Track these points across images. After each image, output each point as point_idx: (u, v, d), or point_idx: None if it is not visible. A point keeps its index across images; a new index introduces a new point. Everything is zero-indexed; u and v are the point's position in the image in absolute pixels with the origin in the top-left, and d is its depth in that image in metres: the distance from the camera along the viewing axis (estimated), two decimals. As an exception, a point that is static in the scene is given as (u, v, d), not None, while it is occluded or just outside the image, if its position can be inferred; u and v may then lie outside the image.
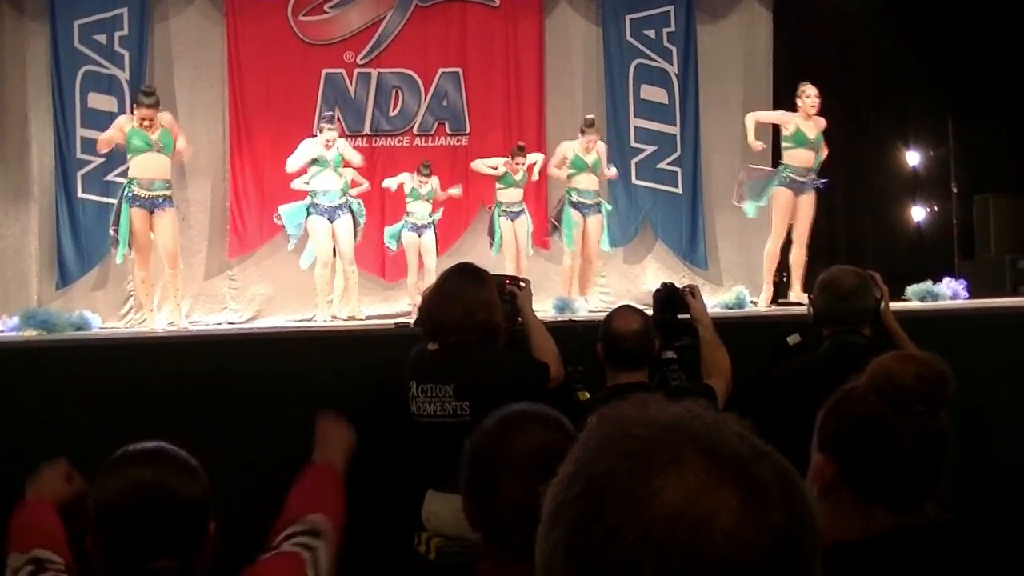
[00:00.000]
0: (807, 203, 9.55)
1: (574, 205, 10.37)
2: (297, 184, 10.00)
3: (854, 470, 2.13)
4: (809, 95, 9.64)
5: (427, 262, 10.35)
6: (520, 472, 2.00)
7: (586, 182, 10.41)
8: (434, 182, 10.56)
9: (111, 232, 9.29)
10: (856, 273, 4.14)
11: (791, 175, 9.55)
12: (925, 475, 2.19)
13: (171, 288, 9.45)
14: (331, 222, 9.88)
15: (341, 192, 9.95)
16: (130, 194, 8.98)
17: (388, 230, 10.66)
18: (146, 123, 8.95)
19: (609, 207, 10.77)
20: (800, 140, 9.54)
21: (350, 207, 9.98)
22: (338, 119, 11.25)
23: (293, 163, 9.92)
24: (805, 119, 9.60)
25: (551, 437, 2.03)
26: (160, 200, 9.01)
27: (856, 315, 4.05)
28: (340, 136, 10.32)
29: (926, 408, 2.15)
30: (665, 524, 0.88)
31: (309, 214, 9.89)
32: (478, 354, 3.86)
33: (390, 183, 10.53)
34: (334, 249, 9.95)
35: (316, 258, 9.94)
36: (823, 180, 9.69)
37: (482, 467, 2.09)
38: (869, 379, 2.22)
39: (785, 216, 9.56)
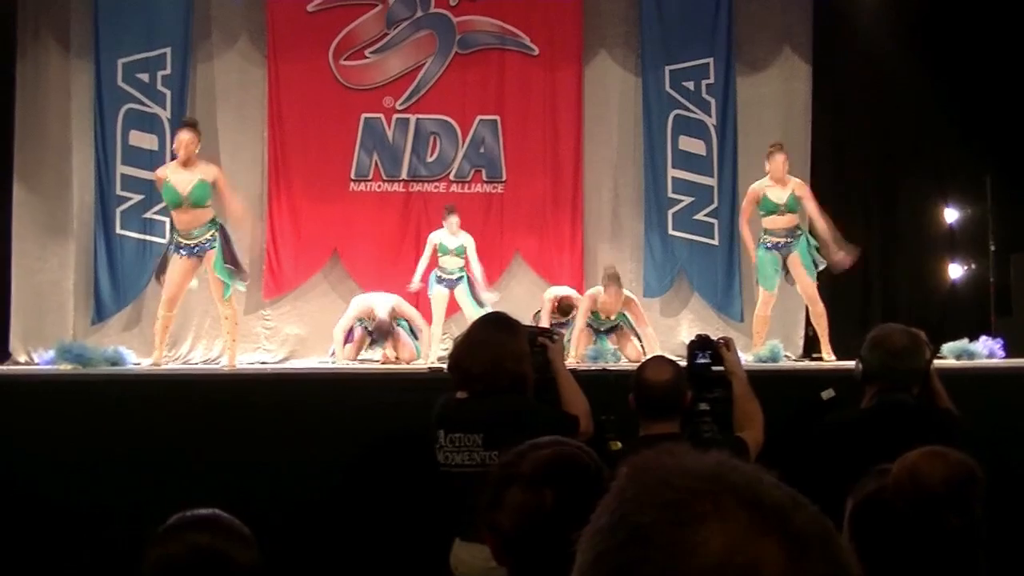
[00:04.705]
0: (796, 262, 9.53)
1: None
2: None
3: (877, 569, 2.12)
4: (771, 153, 9.65)
5: (467, 314, 9.98)
6: (527, 479, 2.07)
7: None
8: (466, 239, 10.44)
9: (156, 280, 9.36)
10: (908, 332, 4.15)
11: (770, 238, 9.59)
12: None
13: (224, 327, 9.30)
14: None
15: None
16: (174, 243, 8.94)
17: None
18: (181, 153, 8.78)
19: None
20: (768, 207, 9.53)
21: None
22: (376, 165, 11.36)
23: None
24: (773, 184, 9.56)
25: (560, 449, 2.13)
26: (204, 243, 8.82)
27: (908, 374, 4.06)
28: None
29: (956, 514, 2.13)
30: (711, 575, 0.87)
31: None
32: (507, 403, 3.85)
33: (424, 258, 10.51)
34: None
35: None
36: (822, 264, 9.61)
37: (495, 482, 2.16)
38: (895, 481, 2.20)
39: (771, 279, 9.61)
